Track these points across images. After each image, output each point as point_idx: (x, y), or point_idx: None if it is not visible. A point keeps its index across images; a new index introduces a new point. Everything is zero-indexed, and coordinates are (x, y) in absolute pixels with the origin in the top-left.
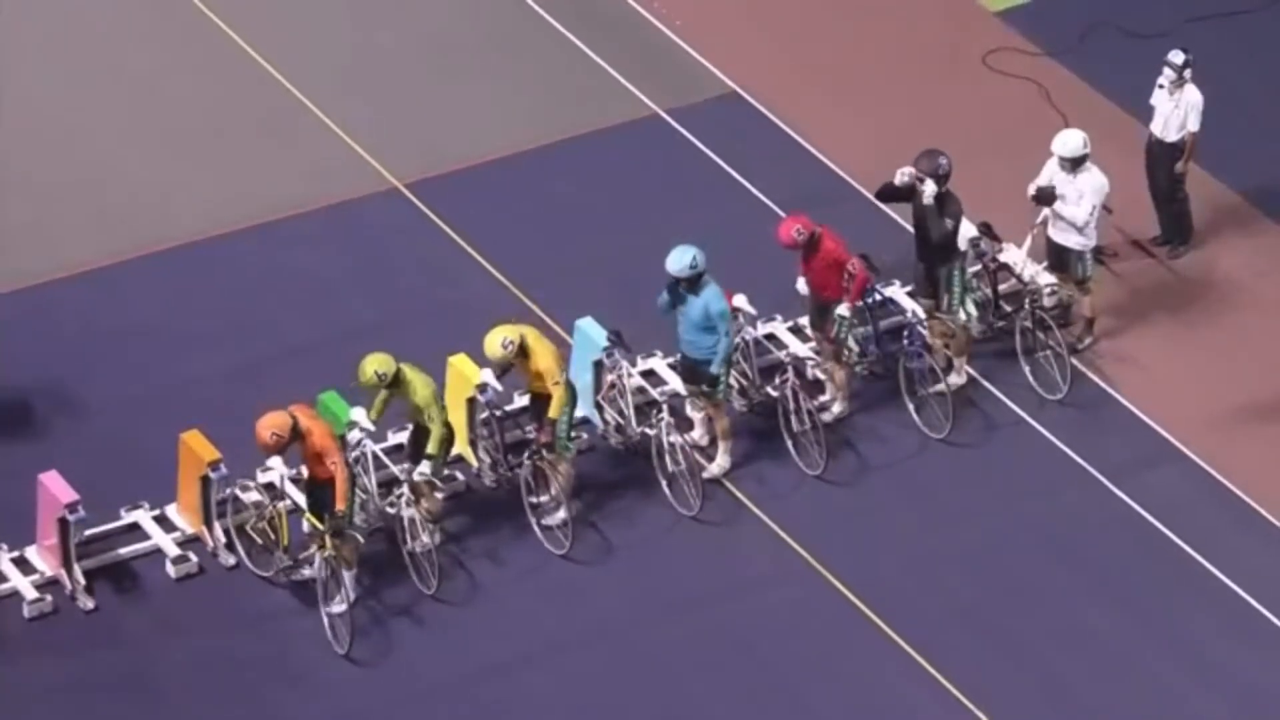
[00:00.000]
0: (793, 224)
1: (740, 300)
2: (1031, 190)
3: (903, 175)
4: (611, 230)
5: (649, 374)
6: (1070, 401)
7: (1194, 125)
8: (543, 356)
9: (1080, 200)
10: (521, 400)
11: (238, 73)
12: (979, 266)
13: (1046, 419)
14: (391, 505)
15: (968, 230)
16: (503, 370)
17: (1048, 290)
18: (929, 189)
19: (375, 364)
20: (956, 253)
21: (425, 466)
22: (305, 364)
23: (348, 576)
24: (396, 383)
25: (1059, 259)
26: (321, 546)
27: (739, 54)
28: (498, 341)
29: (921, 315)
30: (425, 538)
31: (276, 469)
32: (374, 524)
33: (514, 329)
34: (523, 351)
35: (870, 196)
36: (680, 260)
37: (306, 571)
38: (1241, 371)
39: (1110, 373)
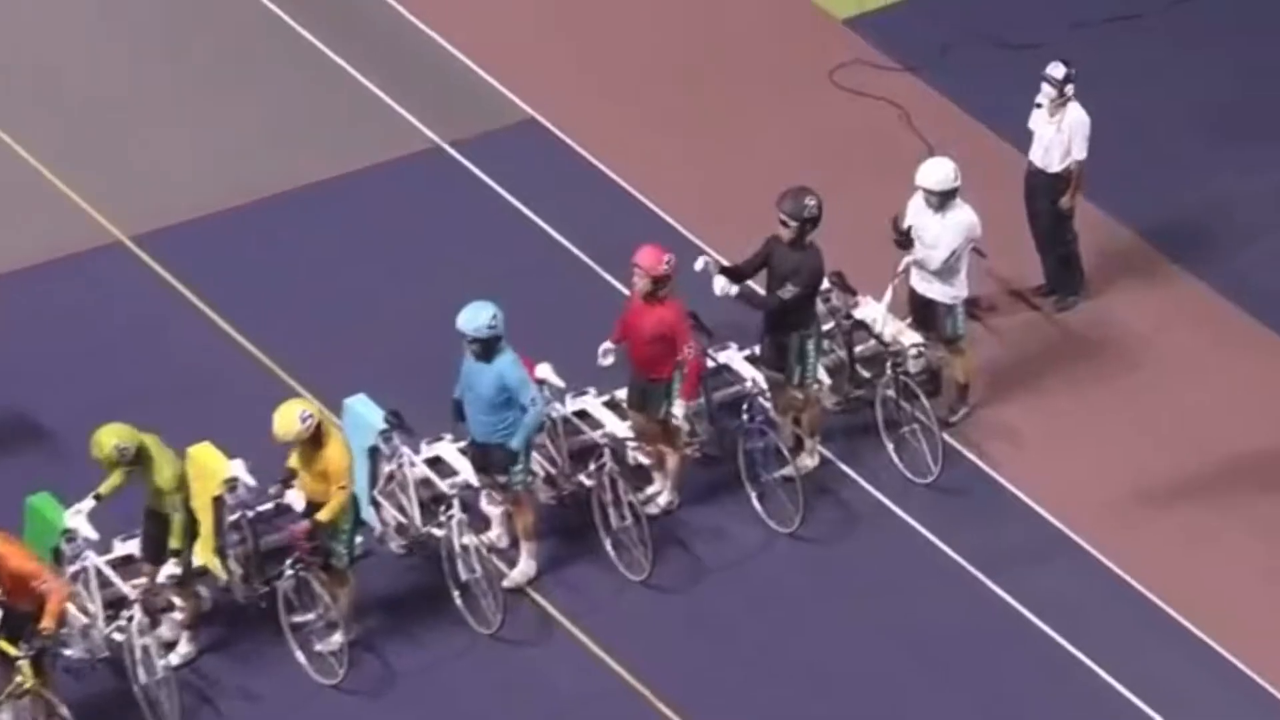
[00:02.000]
0: (663, 252)
1: (544, 370)
2: (894, 234)
3: (703, 265)
4: (385, 288)
5: (435, 462)
6: (942, 485)
7: (1080, 152)
8: (335, 450)
9: (937, 243)
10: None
11: None
12: (831, 325)
13: (914, 506)
14: (121, 631)
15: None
16: (291, 474)
17: (913, 352)
18: (719, 285)
19: (115, 435)
20: (811, 317)
21: (171, 568)
22: (11, 456)
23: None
24: (139, 459)
25: (925, 314)
26: (21, 676)
27: (538, 75)
28: (295, 415)
29: (764, 385)
30: (163, 664)
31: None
32: (99, 654)
33: (311, 404)
34: (315, 439)
35: (693, 238)
36: (476, 318)
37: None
38: (1144, 444)
39: (989, 450)
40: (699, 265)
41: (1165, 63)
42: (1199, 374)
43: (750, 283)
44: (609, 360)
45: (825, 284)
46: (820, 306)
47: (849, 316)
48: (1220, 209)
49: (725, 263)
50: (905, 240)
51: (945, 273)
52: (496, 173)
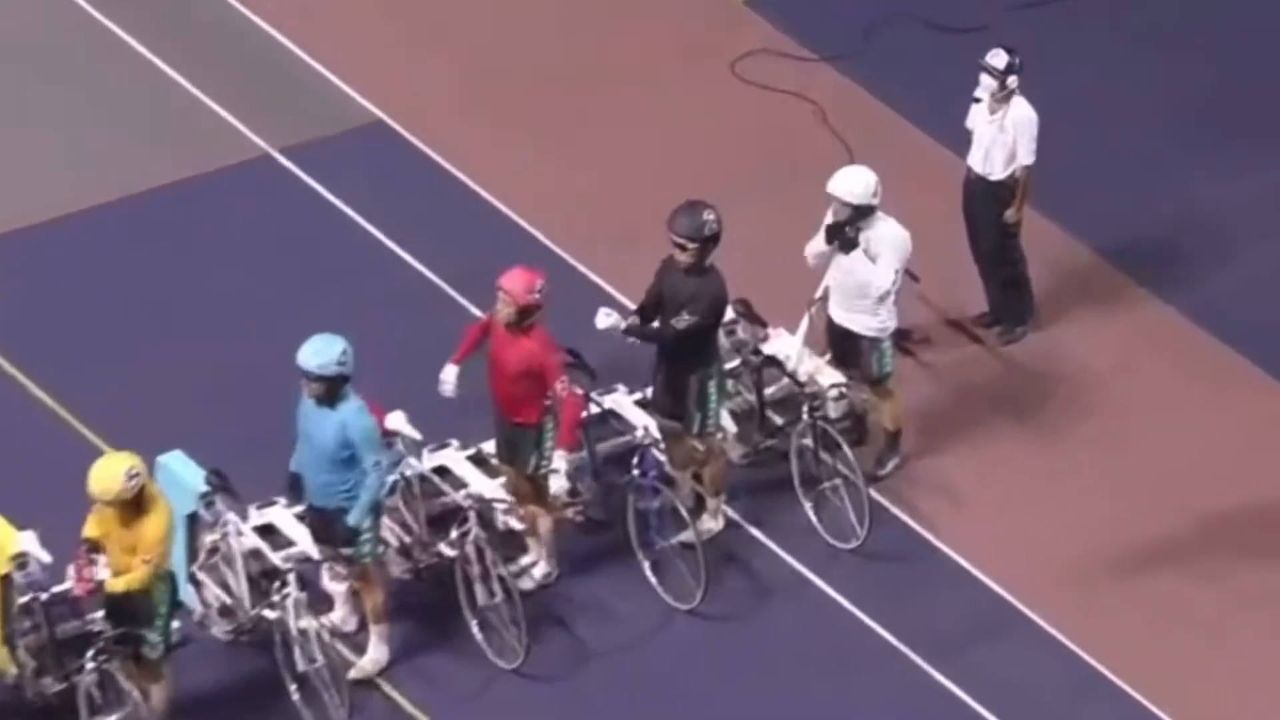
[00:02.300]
0: (535, 276)
1: (396, 420)
2: (813, 249)
3: (606, 319)
4: (205, 321)
5: (267, 530)
6: (870, 550)
7: (1027, 156)
8: (158, 519)
9: (874, 264)
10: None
11: None
12: (736, 362)
13: (837, 575)
14: None
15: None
16: (93, 546)
17: (833, 394)
18: (603, 321)
19: None
20: (713, 353)
21: None
22: None
23: None
24: None
25: (846, 349)
26: None
27: (385, 69)
28: (120, 471)
29: (657, 434)
30: None
31: None
32: None
33: (137, 460)
34: (136, 503)
35: (573, 261)
36: (325, 352)
37: None
38: (1106, 500)
39: (924, 508)
40: (603, 323)
41: (1128, 51)
42: (1170, 416)
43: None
44: (449, 388)
45: (729, 314)
46: (723, 341)
47: (757, 352)
48: (1193, 223)
49: (625, 317)
50: (848, 240)
51: (870, 299)
52: (337, 184)
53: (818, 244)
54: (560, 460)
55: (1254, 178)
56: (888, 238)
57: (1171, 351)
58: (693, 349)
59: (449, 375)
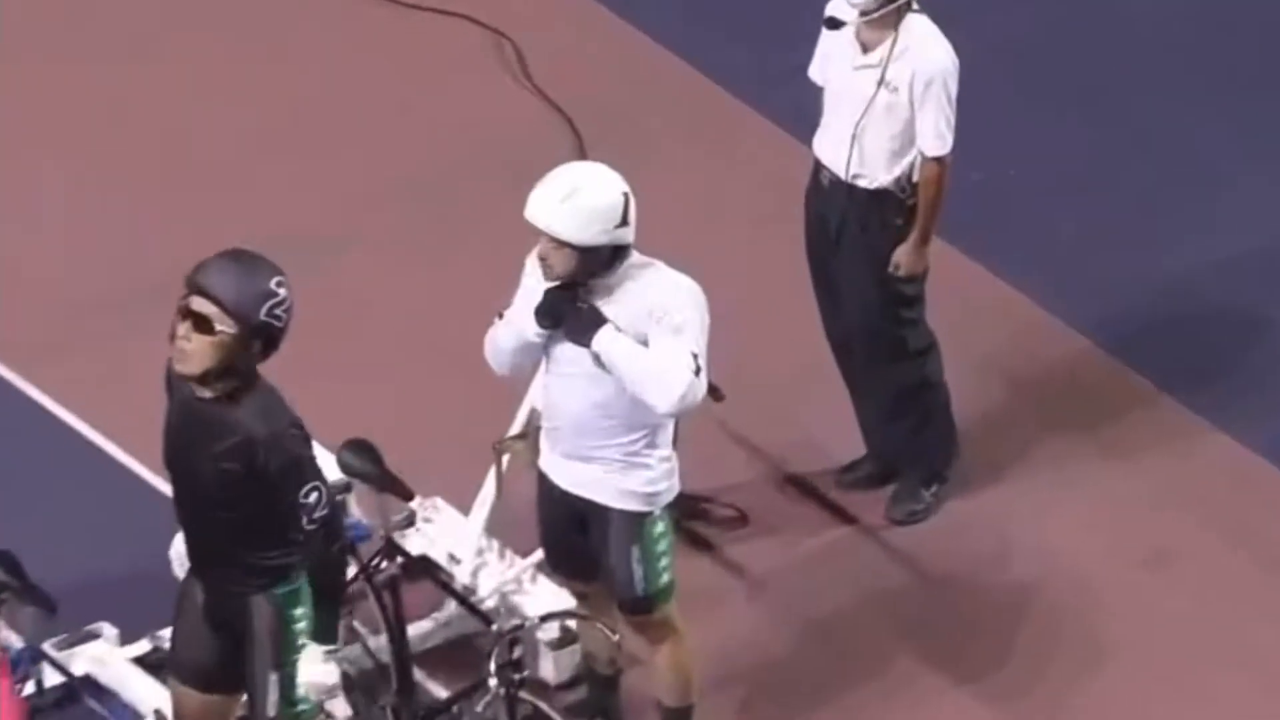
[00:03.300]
0: None
1: None
2: (504, 341)
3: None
4: None
5: None
6: None
7: (935, 139)
8: None
9: (646, 348)
10: None
11: None
12: (352, 573)
13: None
14: None
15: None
16: None
17: (550, 633)
18: None
19: None
20: (291, 550)
21: None
22: None
23: None
24: None
25: (579, 538)
26: None
27: None
28: None
29: None
30: None
31: None
32: None
33: None
34: None
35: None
36: None
37: None
38: None
39: None
40: None
41: None
42: (1237, 654)
43: None
44: None
45: (332, 472)
46: (309, 527)
47: (396, 550)
48: (1259, 275)
49: None
50: (584, 318)
51: (631, 434)
52: None
53: (517, 328)
54: None
55: None
56: (669, 294)
57: (1232, 520)
58: (246, 539)
59: None
